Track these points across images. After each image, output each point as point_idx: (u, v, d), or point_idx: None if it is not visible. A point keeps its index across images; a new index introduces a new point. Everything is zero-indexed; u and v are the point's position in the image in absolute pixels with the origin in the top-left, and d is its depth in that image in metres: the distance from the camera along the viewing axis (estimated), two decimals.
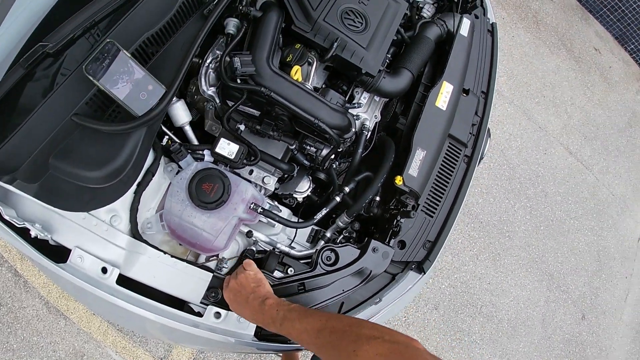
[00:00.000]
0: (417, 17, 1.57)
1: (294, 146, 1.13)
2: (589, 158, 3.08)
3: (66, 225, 0.95)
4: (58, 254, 0.94)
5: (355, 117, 1.19)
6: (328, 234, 1.12)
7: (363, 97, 1.25)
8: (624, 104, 3.52)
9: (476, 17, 1.59)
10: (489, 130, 1.53)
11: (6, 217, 0.88)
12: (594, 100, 3.36)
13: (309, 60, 1.17)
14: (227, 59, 1.05)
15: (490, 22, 1.63)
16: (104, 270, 0.94)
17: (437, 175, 1.25)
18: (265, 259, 1.02)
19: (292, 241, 1.11)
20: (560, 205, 2.81)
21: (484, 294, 2.54)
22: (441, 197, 1.25)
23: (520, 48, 3.26)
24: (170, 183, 1.02)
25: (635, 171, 3.28)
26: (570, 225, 2.82)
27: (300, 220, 1.06)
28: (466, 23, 1.53)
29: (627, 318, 2.90)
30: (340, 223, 1.10)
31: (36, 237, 0.92)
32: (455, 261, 2.54)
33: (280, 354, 1.78)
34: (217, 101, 1.11)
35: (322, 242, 1.11)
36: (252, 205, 0.97)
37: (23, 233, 0.92)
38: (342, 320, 0.75)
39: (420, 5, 1.61)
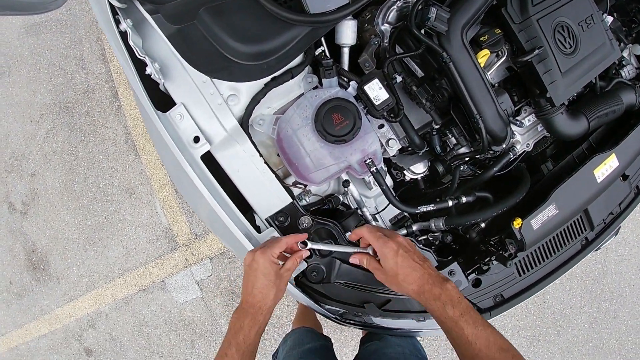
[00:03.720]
0: (614, 72, 1.29)
1: (437, 126, 0.96)
2: None
3: (183, 79, 0.88)
4: (161, 102, 0.88)
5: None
6: (414, 227, 0.97)
7: (528, 119, 1.03)
8: None
9: None
10: (619, 228, 1.26)
11: (130, 43, 0.81)
12: None
13: (500, 51, 0.96)
14: (423, 5, 0.87)
15: None
16: (196, 139, 0.86)
17: (550, 240, 1.05)
18: (347, 215, 0.90)
19: (378, 213, 0.97)
20: (620, 335, 2.41)
21: None
22: (539, 264, 1.06)
23: None
24: (303, 94, 0.90)
25: None
26: None
27: (398, 198, 0.90)
28: None
29: None
30: (433, 225, 0.94)
31: (149, 76, 0.85)
32: (497, 322, 2.30)
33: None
34: (385, 41, 0.96)
35: (404, 231, 0.96)
36: (368, 161, 0.83)
37: (139, 65, 0.86)
38: (521, 356, 0.64)
39: (623, 63, 1.32)
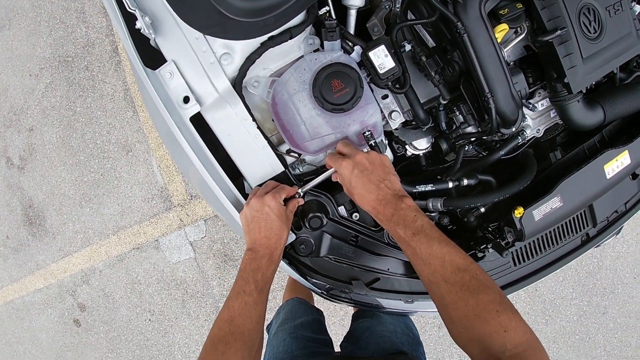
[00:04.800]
0: (634, 65, 1.20)
1: (445, 102, 0.88)
2: None
3: (175, 35, 0.81)
4: (152, 58, 0.81)
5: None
6: None
7: (541, 104, 0.95)
8: None
9: None
10: (621, 227, 1.21)
11: None
12: None
13: (519, 28, 0.87)
14: None
15: None
16: (186, 99, 0.80)
17: (550, 232, 0.99)
18: (341, 188, 0.83)
19: None
20: (607, 332, 2.40)
21: None
22: (536, 255, 1.01)
23: None
24: (302, 57, 0.82)
25: None
26: (597, 356, 2.43)
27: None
28: None
29: None
30: (430, 205, 0.88)
31: (139, 31, 0.78)
32: None
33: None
34: (397, 5, 0.87)
35: None
36: (367, 133, 0.76)
37: (128, 19, 0.78)
38: (485, 274, 0.59)
39: None
